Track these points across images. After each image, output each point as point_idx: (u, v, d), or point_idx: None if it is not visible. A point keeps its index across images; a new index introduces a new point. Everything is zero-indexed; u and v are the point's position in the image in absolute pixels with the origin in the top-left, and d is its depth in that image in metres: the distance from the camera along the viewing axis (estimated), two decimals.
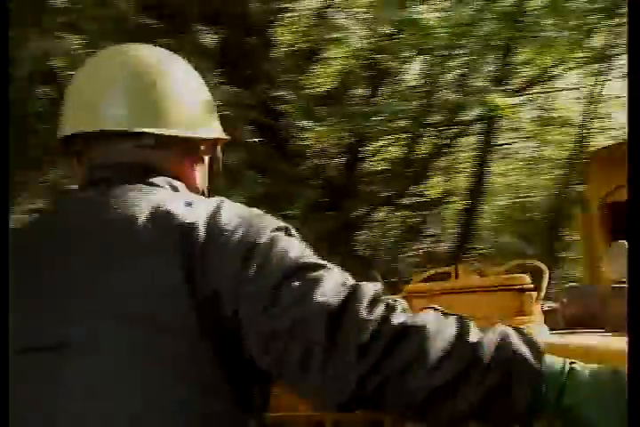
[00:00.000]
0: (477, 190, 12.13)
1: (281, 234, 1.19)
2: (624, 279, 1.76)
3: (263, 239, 1.16)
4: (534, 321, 1.53)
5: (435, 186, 13.37)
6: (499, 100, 8.60)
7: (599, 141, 14.43)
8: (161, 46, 1.51)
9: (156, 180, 1.34)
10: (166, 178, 1.35)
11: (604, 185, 2.64)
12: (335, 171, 10.65)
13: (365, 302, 1.08)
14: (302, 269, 1.12)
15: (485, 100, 8.77)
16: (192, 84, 1.44)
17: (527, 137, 14.38)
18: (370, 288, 1.11)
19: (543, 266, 1.69)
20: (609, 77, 13.58)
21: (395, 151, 12.23)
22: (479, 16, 9.21)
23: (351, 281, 1.14)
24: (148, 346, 1.11)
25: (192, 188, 1.40)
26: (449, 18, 8.60)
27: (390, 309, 1.08)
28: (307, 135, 9.51)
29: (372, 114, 8.94)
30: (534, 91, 12.79)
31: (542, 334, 1.38)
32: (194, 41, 7.92)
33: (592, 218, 2.72)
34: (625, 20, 12.32)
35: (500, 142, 13.37)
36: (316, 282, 1.11)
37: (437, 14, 8.70)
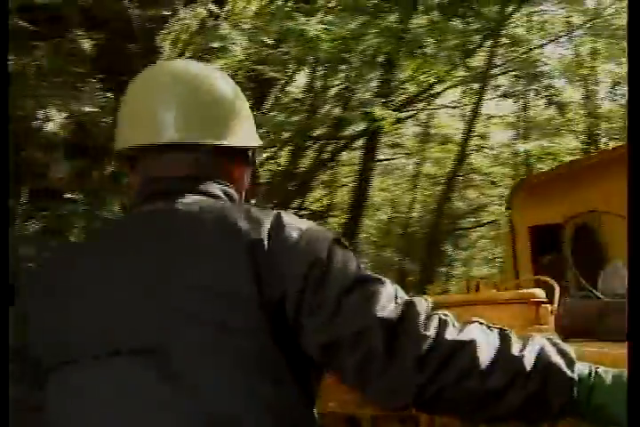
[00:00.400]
0: (359, 205, 12.45)
1: (337, 247, 1.32)
2: (620, 294, 2.02)
3: (323, 253, 1.29)
4: (549, 330, 1.77)
5: (318, 199, 13.64)
6: (381, 112, 9.02)
7: (477, 159, 15.21)
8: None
9: (212, 189, 1.47)
10: (221, 186, 1.49)
11: (528, 210, 3.10)
12: None
13: (422, 317, 1.22)
14: (360, 283, 1.25)
15: (369, 114, 9.13)
16: (238, 97, 1.56)
17: (408, 153, 14.90)
18: (424, 303, 1.25)
19: (553, 281, 1.92)
20: (487, 97, 14.22)
21: (278, 164, 12.43)
22: (362, 31, 9.45)
23: (404, 295, 1.27)
24: (219, 346, 1.25)
25: (240, 191, 1.54)
26: (333, 31, 8.84)
27: (444, 323, 1.22)
28: None
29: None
30: (416, 107, 13.30)
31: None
32: (71, 46, 7.92)
33: (519, 238, 3.16)
34: (506, 41, 13.13)
35: (381, 158, 13.80)
36: (374, 295, 1.23)
37: (322, 26, 8.70)
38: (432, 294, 2.00)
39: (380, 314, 1.21)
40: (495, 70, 13.66)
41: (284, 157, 12.14)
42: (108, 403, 1.27)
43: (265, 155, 11.93)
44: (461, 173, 14.00)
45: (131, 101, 1.53)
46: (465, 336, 1.20)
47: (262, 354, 1.26)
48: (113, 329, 1.31)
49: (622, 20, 14.87)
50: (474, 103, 12.80)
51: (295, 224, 1.34)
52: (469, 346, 1.19)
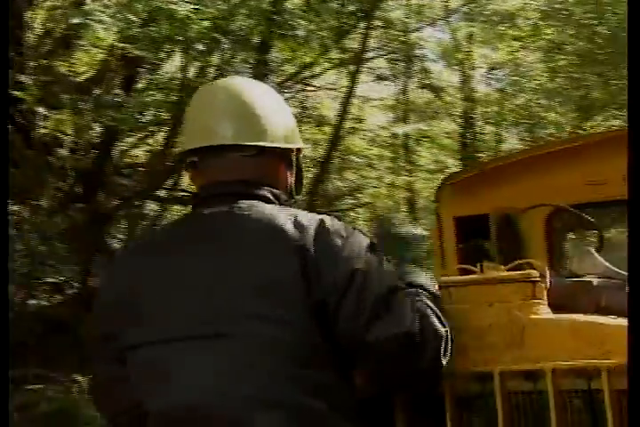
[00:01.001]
0: None
1: (373, 256, 1.71)
2: (588, 275, 2.40)
3: (361, 263, 1.67)
4: (544, 304, 2.03)
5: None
6: None
7: (354, 142, 15.73)
8: None
9: (262, 192, 1.82)
10: (270, 189, 1.84)
11: (454, 203, 3.64)
12: (88, 162, 10.66)
13: (436, 321, 1.72)
14: (391, 293, 1.67)
15: None
16: (282, 105, 1.97)
17: None
18: (435, 309, 1.74)
19: (542, 264, 2.26)
20: (365, 79, 14.78)
21: (153, 144, 12.44)
22: (233, 11, 9.69)
23: (421, 304, 1.74)
24: (270, 336, 1.61)
25: (285, 189, 1.91)
26: (203, 11, 8.97)
27: (444, 322, 1.74)
28: (48, 124, 9.51)
29: (125, 105, 9.30)
30: (292, 89, 13.58)
31: (548, 314, 1.99)
32: None
33: (444, 228, 3.67)
34: (377, 23, 13.73)
35: None
36: (402, 304, 1.67)
37: (192, 6, 8.85)
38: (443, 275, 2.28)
39: (407, 322, 1.66)
40: (372, 53, 14.22)
41: (160, 137, 12.22)
42: (185, 375, 1.66)
43: (139, 135, 12.21)
44: (339, 155, 14.27)
45: (191, 113, 1.95)
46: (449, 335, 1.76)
47: (306, 343, 1.62)
48: (186, 318, 1.69)
49: (498, 6, 15.84)
50: (349, 86, 13.21)
51: (337, 232, 1.72)
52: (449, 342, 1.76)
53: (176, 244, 1.81)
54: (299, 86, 13.87)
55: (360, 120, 15.08)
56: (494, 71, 17.48)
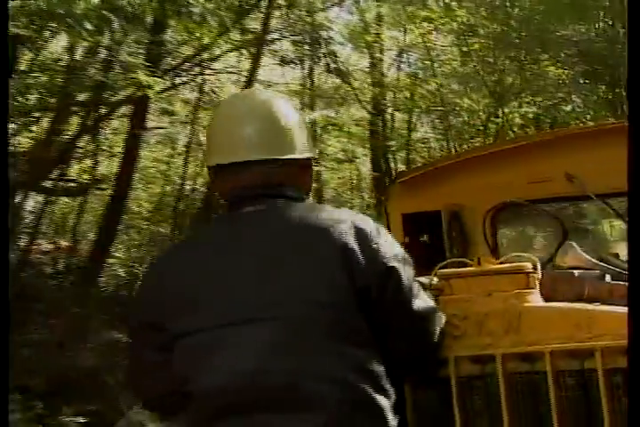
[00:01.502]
0: (128, 176, 12.45)
1: (399, 248, 2.13)
2: (572, 267, 2.78)
3: (395, 256, 2.08)
4: (537, 293, 2.38)
5: (84, 170, 13.33)
6: (147, 78, 9.13)
7: None
8: None
9: (290, 193, 2.15)
10: (294, 190, 2.18)
11: (403, 200, 3.96)
12: None
13: (442, 314, 2.26)
14: (419, 291, 2.15)
15: (135, 79, 9.24)
16: (300, 118, 2.27)
17: (184, 122, 14.82)
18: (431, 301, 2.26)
19: (534, 257, 2.52)
20: (267, 62, 14.55)
21: (37, 131, 12.13)
22: None
23: (430, 297, 2.29)
24: (325, 319, 1.96)
25: (306, 191, 2.25)
26: None
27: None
28: None
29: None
30: (190, 73, 13.28)
31: (540, 302, 2.36)
32: None
33: (392, 225, 3.98)
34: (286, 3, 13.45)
35: (152, 126, 13.63)
36: (426, 300, 2.17)
37: None
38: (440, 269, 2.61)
39: (432, 303, 2.24)
40: (275, 34, 14.02)
41: (45, 123, 11.96)
42: (242, 354, 1.97)
43: (22, 119, 11.79)
44: None
45: (217, 127, 2.23)
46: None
47: (349, 323, 1.98)
48: (241, 304, 2.00)
49: None
50: (250, 69, 13.09)
51: (371, 229, 2.09)
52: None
53: (224, 239, 2.11)
54: (197, 69, 13.55)
55: None
56: (405, 55, 17.67)
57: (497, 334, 2.30)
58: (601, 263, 2.85)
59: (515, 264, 2.39)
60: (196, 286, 2.07)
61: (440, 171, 3.97)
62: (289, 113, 2.25)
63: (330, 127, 16.61)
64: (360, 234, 2.06)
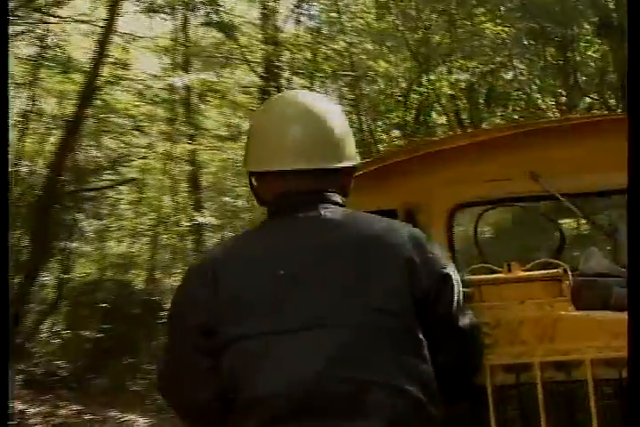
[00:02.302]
0: None
1: (449, 262, 2.39)
2: (596, 274, 2.93)
3: (448, 270, 2.33)
4: (569, 301, 2.59)
5: None
6: None
7: (112, 95, 13.99)
8: None
9: (336, 199, 2.42)
10: (339, 196, 2.45)
11: (362, 197, 3.71)
12: None
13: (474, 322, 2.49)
14: (465, 304, 2.39)
15: None
16: (347, 124, 2.54)
17: (20, 84, 13.48)
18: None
19: (562, 263, 2.75)
20: (126, 9, 13.34)
21: None
22: None
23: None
24: (384, 326, 2.18)
25: (346, 197, 2.52)
26: None
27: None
28: None
29: None
30: (28, 20, 12.42)
31: (575, 310, 2.55)
32: None
33: None
34: None
35: None
36: (472, 316, 2.41)
37: None
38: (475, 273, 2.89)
39: (476, 320, 2.44)
40: None
41: None
42: (299, 361, 2.15)
43: None
44: (94, 114, 13.19)
45: (262, 130, 2.46)
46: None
47: (410, 333, 2.21)
48: (299, 311, 2.19)
49: None
50: (107, 18, 12.26)
51: (427, 245, 2.33)
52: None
53: (281, 244, 2.31)
54: (37, 16, 12.70)
55: (124, 66, 13.99)
56: (306, 5, 16.68)
57: (531, 342, 2.53)
58: (624, 270, 2.94)
59: (548, 271, 2.64)
60: (255, 289, 2.24)
61: (396, 166, 4.09)
62: (341, 119, 2.48)
63: (209, 95, 16.01)
64: (417, 243, 2.29)
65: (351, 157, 2.46)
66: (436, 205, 4.04)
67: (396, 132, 15.78)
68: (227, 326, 2.22)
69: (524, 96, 14.36)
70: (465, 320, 2.34)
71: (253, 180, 2.49)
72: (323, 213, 2.34)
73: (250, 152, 2.45)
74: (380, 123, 15.80)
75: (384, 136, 15.97)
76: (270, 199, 2.42)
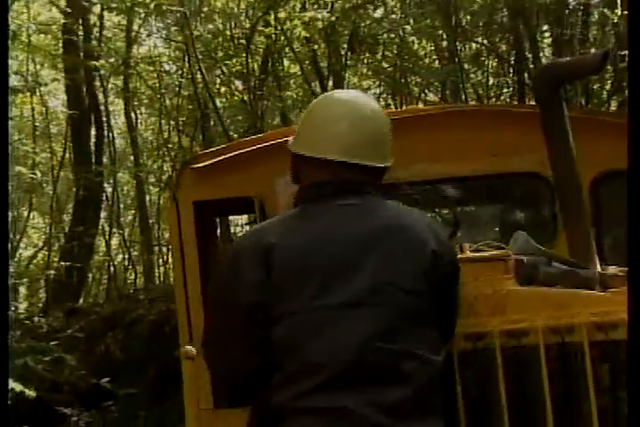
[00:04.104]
0: None
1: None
2: (522, 255, 3.23)
3: (456, 258, 2.74)
4: (514, 278, 2.96)
5: None
6: None
7: None
8: None
9: (371, 190, 2.73)
10: (372, 189, 2.77)
11: (194, 187, 4.65)
12: None
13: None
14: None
15: None
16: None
17: None
18: None
19: (503, 245, 3.13)
20: None
21: None
22: None
23: None
24: (413, 305, 2.56)
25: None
26: None
27: None
28: None
29: None
30: None
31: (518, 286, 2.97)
32: None
33: (182, 212, 4.63)
34: None
35: None
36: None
37: None
38: None
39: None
40: None
41: None
42: (345, 334, 2.50)
43: None
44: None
45: (324, 120, 2.77)
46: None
47: (430, 311, 2.59)
48: (339, 290, 2.54)
49: None
50: None
51: (443, 234, 2.75)
52: None
53: (327, 227, 2.64)
54: None
55: None
56: None
57: (485, 314, 2.87)
58: (546, 250, 3.36)
59: (497, 252, 3.05)
60: (304, 268, 2.56)
61: (236, 158, 4.57)
62: (389, 123, 2.84)
63: None
64: (435, 232, 2.66)
65: (389, 158, 2.81)
66: (281, 193, 4.54)
67: (237, 84, 13.67)
68: (278, 302, 2.55)
69: (396, 40, 12.59)
70: (458, 298, 2.81)
71: (297, 160, 2.79)
72: (360, 201, 2.70)
73: (305, 136, 2.77)
74: (217, 72, 14.05)
75: (222, 89, 13.84)
76: (308, 183, 2.77)
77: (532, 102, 4.49)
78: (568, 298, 2.91)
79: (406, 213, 2.74)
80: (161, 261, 16.82)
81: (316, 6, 13.16)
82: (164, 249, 16.02)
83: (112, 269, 16.95)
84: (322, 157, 2.71)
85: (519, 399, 2.82)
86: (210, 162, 4.62)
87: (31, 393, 8.61)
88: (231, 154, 4.60)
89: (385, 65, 13.22)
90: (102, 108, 15.42)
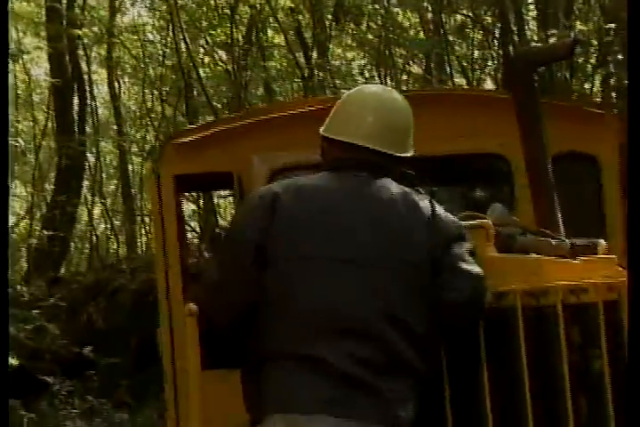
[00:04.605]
0: None
1: (461, 225, 3.02)
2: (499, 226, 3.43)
3: (458, 230, 2.91)
4: (494, 246, 3.18)
5: None
6: None
7: None
8: None
9: (388, 173, 2.99)
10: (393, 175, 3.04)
11: (176, 162, 4.91)
12: None
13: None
14: (468, 253, 2.93)
15: None
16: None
17: None
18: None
19: (483, 215, 3.33)
20: None
21: None
22: None
23: None
24: (407, 273, 2.78)
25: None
26: None
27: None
28: None
29: None
30: None
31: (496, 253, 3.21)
32: None
33: (163, 185, 4.87)
34: None
35: None
36: (476, 266, 2.93)
37: None
38: None
39: (475, 268, 2.94)
40: None
41: None
42: (332, 287, 2.75)
43: None
44: None
45: (356, 108, 3.09)
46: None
47: (420, 280, 2.78)
48: (334, 245, 2.79)
49: None
50: None
51: (443, 211, 2.93)
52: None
53: (334, 191, 2.91)
54: None
55: None
56: None
57: None
58: (520, 221, 3.60)
59: (481, 221, 3.23)
60: (309, 220, 2.82)
61: (216, 135, 4.89)
62: (412, 118, 3.13)
63: None
64: (433, 208, 2.89)
65: (409, 149, 3.10)
66: (257, 169, 4.85)
67: (221, 54, 13.42)
68: (276, 246, 2.79)
69: (381, 11, 12.40)
70: (470, 267, 2.88)
71: (325, 142, 3.08)
72: (374, 176, 2.95)
73: (338, 121, 3.07)
74: (201, 42, 13.90)
75: (207, 59, 13.59)
76: (329, 159, 3.04)
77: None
78: (543, 265, 3.15)
79: (411, 191, 2.96)
80: (143, 231, 16.75)
81: None
82: (147, 219, 15.92)
83: (94, 238, 16.81)
84: (347, 141, 3.01)
85: (498, 355, 3.04)
86: (191, 138, 4.91)
87: (13, 361, 8.58)
88: (212, 131, 4.89)
89: (369, 36, 13.04)
90: (85, 77, 15.18)
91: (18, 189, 18.75)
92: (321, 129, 3.12)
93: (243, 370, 2.88)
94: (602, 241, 3.49)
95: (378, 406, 2.72)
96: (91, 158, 15.83)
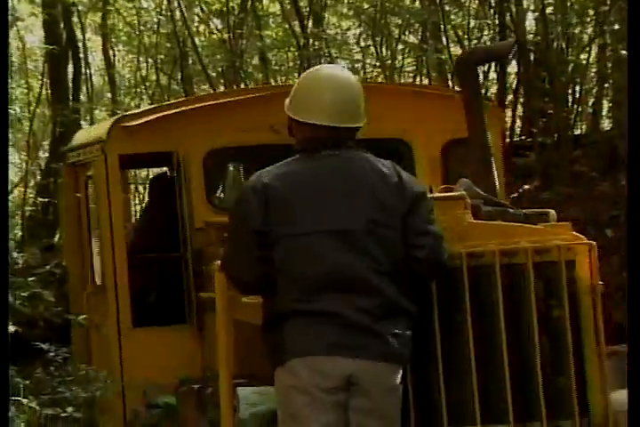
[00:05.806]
0: None
1: (423, 188, 3.63)
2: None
3: (421, 190, 3.49)
4: (470, 213, 3.75)
5: None
6: None
7: None
8: None
9: (352, 144, 3.51)
10: (352, 143, 3.56)
11: (121, 142, 5.80)
12: None
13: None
14: (432, 213, 3.57)
15: None
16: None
17: None
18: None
19: (458, 188, 3.97)
20: None
21: None
22: None
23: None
24: (384, 235, 3.38)
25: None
26: None
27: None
28: None
29: None
30: None
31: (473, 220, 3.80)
32: None
33: (109, 163, 5.74)
34: None
35: None
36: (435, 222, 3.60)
37: None
38: None
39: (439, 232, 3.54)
40: None
41: None
42: (332, 254, 3.34)
43: None
44: None
45: (313, 91, 3.56)
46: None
47: (399, 240, 3.37)
48: (324, 219, 3.35)
49: None
50: None
51: (407, 175, 3.50)
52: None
53: (313, 172, 3.43)
54: None
55: None
56: None
57: (452, 241, 3.58)
58: (484, 194, 4.20)
59: (459, 193, 3.84)
60: (297, 200, 3.37)
61: (164, 118, 5.86)
62: (362, 91, 3.59)
63: None
64: (399, 173, 3.42)
65: (363, 118, 3.56)
66: (195, 149, 5.90)
67: (216, 23, 13.30)
68: (276, 228, 3.37)
69: None
70: (431, 227, 3.44)
71: (292, 120, 3.54)
72: (341, 152, 3.46)
73: (297, 104, 3.54)
74: (196, 10, 13.80)
75: (202, 27, 13.45)
76: (301, 137, 3.53)
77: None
78: (513, 229, 3.79)
79: (375, 159, 3.53)
80: (137, 200, 16.69)
81: None
82: (141, 188, 15.90)
83: None
84: (311, 122, 3.49)
85: (478, 306, 3.66)
86: (136, 122, 5.83)
87: (9, 328, 8.57)
88: (155, 115, 5.85)
89: (365, 5, 12.96)
90: (80, 44, 14.92)
91: (12, 156, 18.62)
92: (287, 109, 3.59)
93: (263, 324, 3.46)
94: (552, 211, 4.43)
95: (381, 345, 3.33)
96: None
